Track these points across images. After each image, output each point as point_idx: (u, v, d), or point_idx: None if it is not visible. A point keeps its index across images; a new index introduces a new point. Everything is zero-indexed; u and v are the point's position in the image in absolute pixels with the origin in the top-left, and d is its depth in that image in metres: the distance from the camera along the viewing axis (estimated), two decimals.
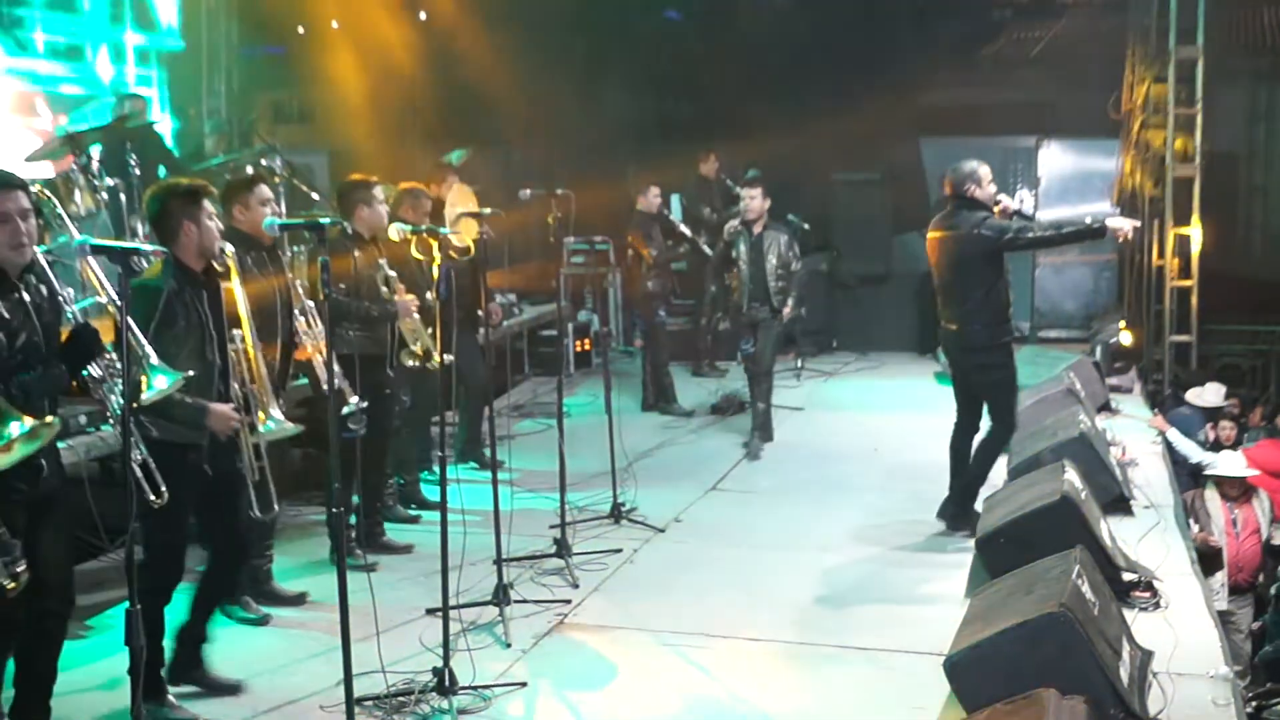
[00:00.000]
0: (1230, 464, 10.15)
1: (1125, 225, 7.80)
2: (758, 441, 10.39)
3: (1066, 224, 8.06)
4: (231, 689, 5.85)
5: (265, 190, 6.52)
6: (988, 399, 8.14)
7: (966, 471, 8.20)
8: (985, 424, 8.26)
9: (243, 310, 5.72)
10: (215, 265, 5.58)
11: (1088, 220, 8.11)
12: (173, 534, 5.42)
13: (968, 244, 7.88)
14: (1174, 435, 10.43)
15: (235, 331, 5.68)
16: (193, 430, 5.41)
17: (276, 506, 5.83)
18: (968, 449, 8.25)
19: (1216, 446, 11.24)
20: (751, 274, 10.35)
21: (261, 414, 5.75)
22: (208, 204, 5.53)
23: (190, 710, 5.55)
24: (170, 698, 5.53)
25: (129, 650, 4.18)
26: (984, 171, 8.02)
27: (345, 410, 6.43)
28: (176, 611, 5.67)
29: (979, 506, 7.91)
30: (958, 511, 8.15)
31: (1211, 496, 10.04)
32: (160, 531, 5.27)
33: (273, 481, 5.83)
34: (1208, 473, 10.15)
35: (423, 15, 15.91)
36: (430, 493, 8.65)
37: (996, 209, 8.03)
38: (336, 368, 6.42)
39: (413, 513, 8.49)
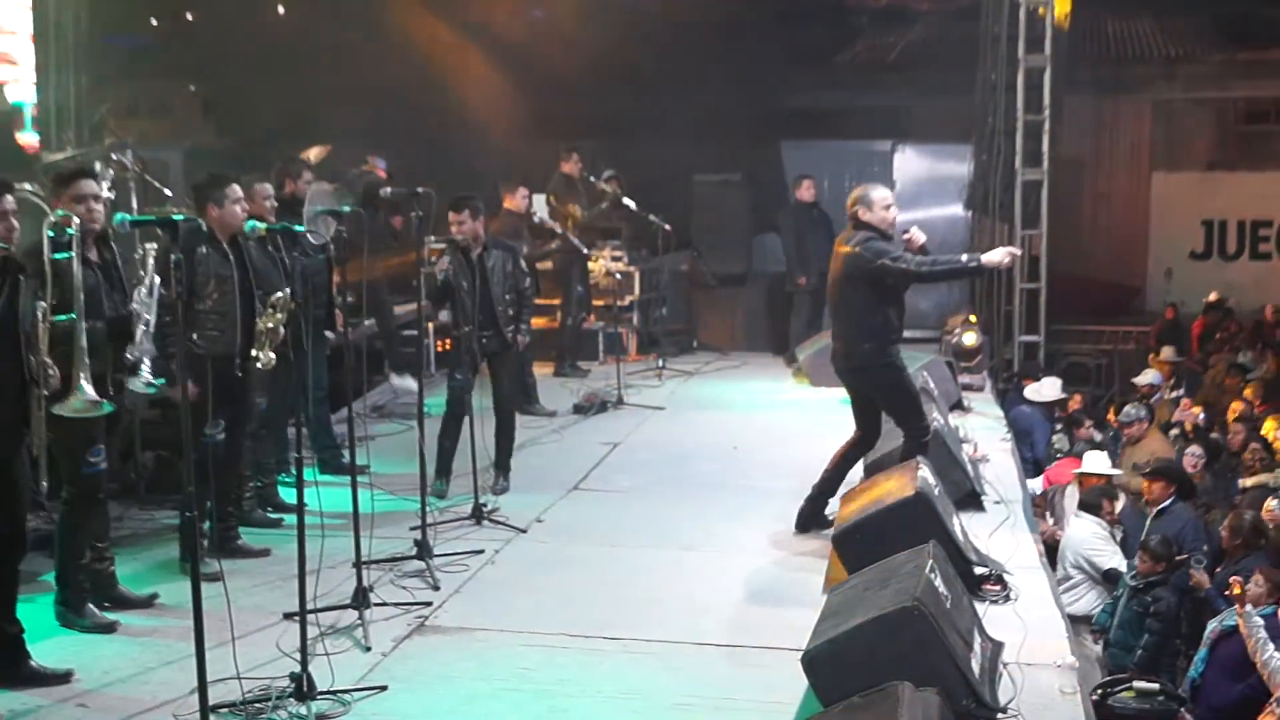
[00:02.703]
0: (1095, 463, 10.41)
1: (1003, 258, 7.71)
2: (503, 481, 9.22)
3: (945, 260, 7.96)
4: (60, 678, 5.77)
5: (80, 186, 6.39)
6: (890, 412, 8.08)
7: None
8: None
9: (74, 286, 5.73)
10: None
11: (963, 258, 8.03)
12: None
13: (848, 262, 7.84)
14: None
15: (41, 304, 5.66)
16: None
17: (40, 485, 5.79)
18: (854, 460, 8.25)
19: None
20: (480, 301, 8.96)
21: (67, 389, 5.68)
22: None
23: None
24: None
25: None
26: (876, 195, 7.94)
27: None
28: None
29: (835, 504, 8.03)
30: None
31: (1072, 493, 10.30)
32: None
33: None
34: (1075, 471, 10.40)
35: (281, 10, 15.70)
36: (287, 495, 8.52)
37: (906, 237, 7.93)
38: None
39: (273, 516, 8.35)
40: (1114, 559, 9.36)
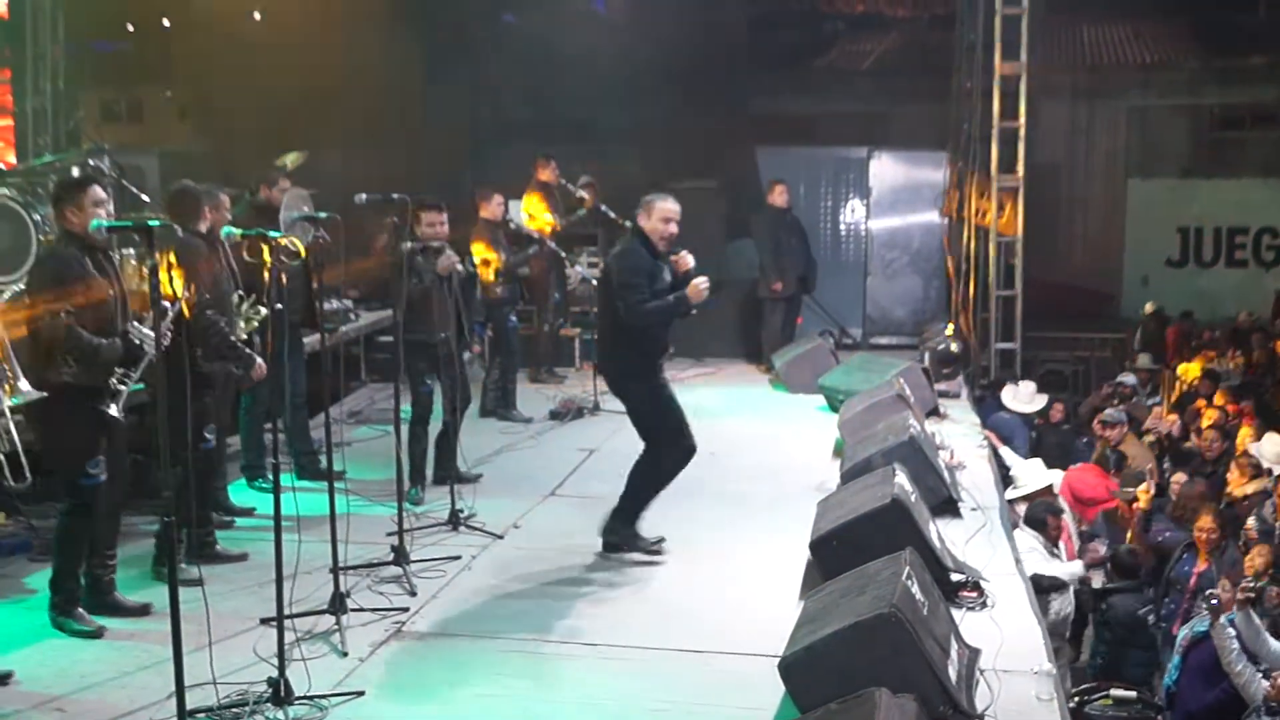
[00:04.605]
0: (1032, 477, 10.34)
1: (701, 291, 7.60)
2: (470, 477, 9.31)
3: (663, 305, 7.66)
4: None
5: (98, 192, 6.37)
6: (635, 426, 7.89)
7: (635, 495, 7.94)
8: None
9: None
10: None
11: (670, 299, 7.59)
12: None
13: (607, 272, 7.72)
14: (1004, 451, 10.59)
15: None
16: None
17: (29, 476, 5.90)
18: (672, 474, 8.03)
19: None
20: (444, 304, 8.82)
21: (8, 387, 5.79)
22: None
23: None
24: None
25: None
26: (660, 205, 7.64)
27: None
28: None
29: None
30: (624, 534, 7.95)
31: (1021, 508, 10.22)
32: None
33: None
34: (1009, 495, 10.22)
35: (257, 15, 15.64)
36: (256, 499, 8.53)
37: (674, 259, 7.73)
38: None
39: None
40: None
